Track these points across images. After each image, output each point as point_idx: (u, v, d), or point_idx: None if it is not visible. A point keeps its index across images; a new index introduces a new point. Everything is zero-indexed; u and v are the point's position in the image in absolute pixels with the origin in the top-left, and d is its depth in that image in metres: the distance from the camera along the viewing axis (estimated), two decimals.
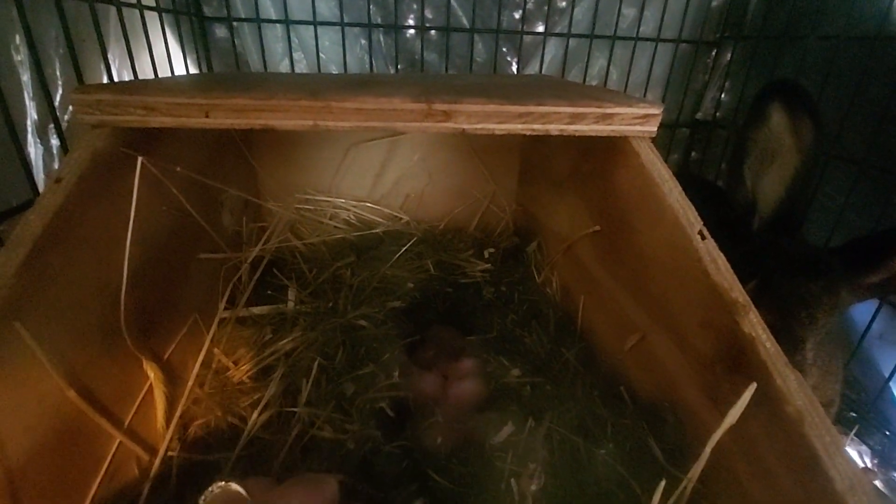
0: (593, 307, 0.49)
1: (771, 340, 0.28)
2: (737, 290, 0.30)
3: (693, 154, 0.97)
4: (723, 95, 0.91)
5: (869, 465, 0.59)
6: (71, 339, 0.32)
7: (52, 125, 0.45)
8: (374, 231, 0.66)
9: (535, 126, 0.37)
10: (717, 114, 0.92)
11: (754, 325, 0.29)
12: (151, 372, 0.39)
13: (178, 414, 0.40)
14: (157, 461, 0.38)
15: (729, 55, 0.90)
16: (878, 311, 0.58)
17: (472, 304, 0.57)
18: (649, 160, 0.38)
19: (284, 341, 0.49)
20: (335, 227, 0.67)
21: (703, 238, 0.33)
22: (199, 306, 0.48)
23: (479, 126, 0.36)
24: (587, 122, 0.37)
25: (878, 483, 0.57)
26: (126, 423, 0.36)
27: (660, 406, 0.37)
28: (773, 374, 0.26)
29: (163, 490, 0.36)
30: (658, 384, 0.38)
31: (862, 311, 0.60)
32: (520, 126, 0.37)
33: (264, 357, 0.47)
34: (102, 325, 0.35)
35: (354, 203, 0.68)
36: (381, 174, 0.69)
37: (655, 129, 0.38)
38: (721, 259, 0.32)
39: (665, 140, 0.93)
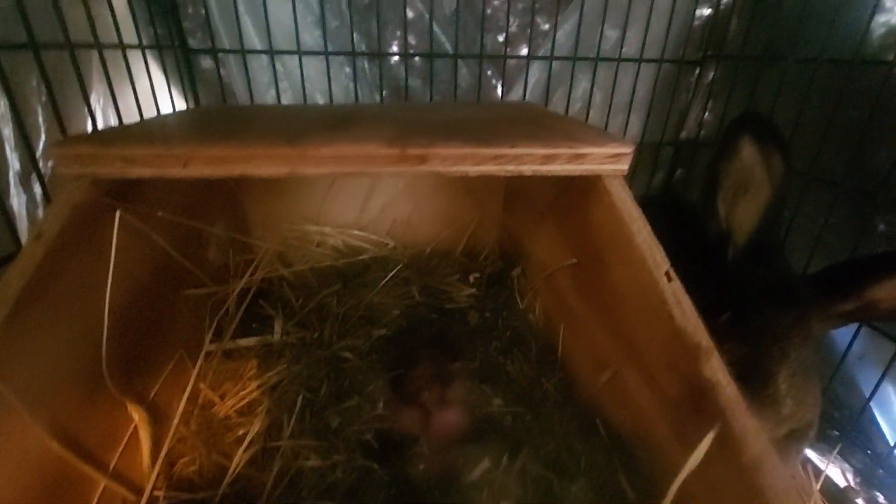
0: (572, 337, 0.50)
1: (731, 386, 0.29)
2: (700, 334, 0.31)
3: (678, 172, 0.98)
4: (706, 114, 0.92)
5: (851, 483, 0.60)
6: (54, 389, 0.33)
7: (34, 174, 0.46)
8: (360, 258, 0.66)
9: (509, 168, 0.38)
10: (702, 132, 0.93)
11: (715, 370, 0.29)
12: (136, 414, 0.39)
13: (163, 454, 0.41)
14: (144, 501, 0.38)
15: (711, 74, 0.91)
16: (857, 332, 0.59)
17: (457, 330, 0.58)
18: (620, 199, 0.39)
19: (269, 374, 0.49)
20: (322, 253, 0.68)
21: (670, 280, 0.34)
22: (186, 341, 0.49)
23: (453, 168, 0.37)
24: (559, 162, 0.38)
25: (859, 502, 0.58)
26: (111, 466, 0.37)
27: (633, 440, 0.38)
28: (730, 420, 0.27)
29: None
30: (631, 418, 0.39)
31: (842, 332, 0.60)
32: (493, 168, 0.37)
33: (250, 391, 0.48)
34: (86, 372, 0.35)
35: (341, 230, 0.69)
36: (367, 200, 0.69)
37: (627, 167, 0.39)
38: (686, 302, 0.33)
39: (649, 159, 0.94)
